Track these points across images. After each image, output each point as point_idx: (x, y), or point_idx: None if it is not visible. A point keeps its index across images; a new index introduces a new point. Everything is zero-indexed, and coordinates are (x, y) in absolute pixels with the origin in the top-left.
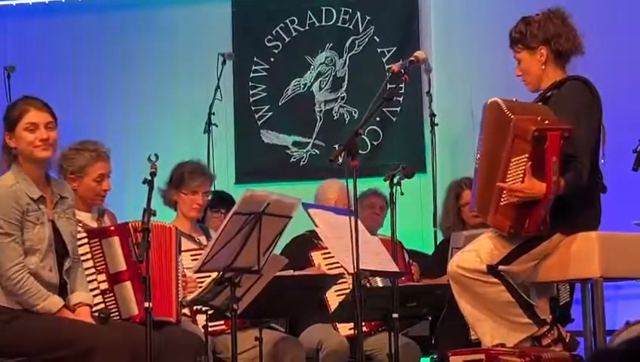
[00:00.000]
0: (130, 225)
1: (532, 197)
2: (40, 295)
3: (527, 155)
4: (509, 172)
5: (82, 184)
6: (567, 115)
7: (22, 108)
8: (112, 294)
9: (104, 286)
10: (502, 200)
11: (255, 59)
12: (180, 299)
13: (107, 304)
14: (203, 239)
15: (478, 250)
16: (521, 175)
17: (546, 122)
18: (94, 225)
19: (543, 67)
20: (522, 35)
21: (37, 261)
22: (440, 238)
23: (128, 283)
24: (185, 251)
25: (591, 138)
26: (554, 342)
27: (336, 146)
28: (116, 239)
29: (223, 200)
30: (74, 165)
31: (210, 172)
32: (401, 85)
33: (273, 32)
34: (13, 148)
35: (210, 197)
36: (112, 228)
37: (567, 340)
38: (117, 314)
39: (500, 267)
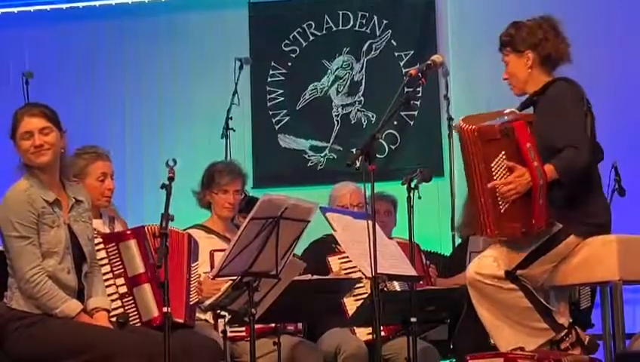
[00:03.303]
0: (146, 228)
1: (524, 187)
2: (59, 297)
3: (503, 152)
4: (494, 176)
5: (85, 185)
6: (557, 110)
7: (17, 118)
8: (131, 297)
9: (123, 289)
10: (500, 207)
11: (272, 63)
12: (191, 303)
13: (126, 308)
14: None
15: (495, 255)
16: (507, 173)
17: (506, 118)
18: (106, 231)
19: (529, 71)
20: (511, 38)
21: (55, 263)
22: (458, 240)
23: (147, 286)
24: (218, 251)
25: (584, 125)
26: (572, 346)
27: (354, 150)
28: (133, 242)
29: (251, 204)
30: (75, 168)
31: (242, 171)
32: (418, 89)
33: (290, 37)
34: (21, 156)
35: (242, 196)
36: (129, 231)
37: (585, 343)
38: (137, 316)
39: (519, 272)
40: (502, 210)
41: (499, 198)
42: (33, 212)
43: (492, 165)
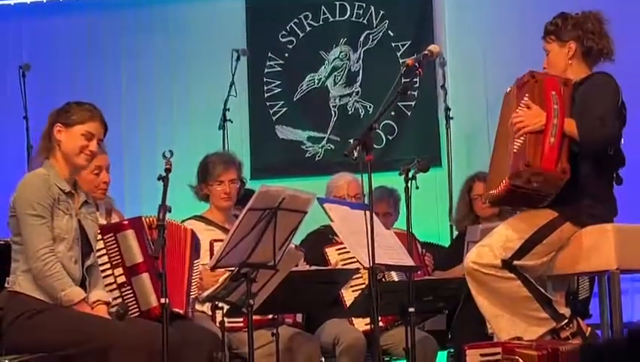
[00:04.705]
0: (143, 219)
1: (534, 123)
2: (66, 281)
3: (527, 94)
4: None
5: (81, 178)
6: (594, 91)
7: (90, 114)
8: (129, 287)
9: (121, 279)
10: (514, 147)
11: (269, 54)
12: (192, 297)
13: (125, 297)
14: None
15: (492, 245)
16: (526, 110)
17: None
18: (104, 223)
19: (570, 62)
20: (557, 27)
21: (64, 250)
22: (456, 232)
23: (146, 275)
24: (218, 241)
25: (615, 109)
26: (573, 336)
27: (351, 141)
28: (131, 232)
29: (248, 197)
30: None
31: (236, 159)
32: (415, 79)
33: (287, 28)
34: (58, 141)
35: (239, 184)
36: (126, 222)
37: (587, 334)
38: (136, 306)
39: (516, 262)
40: (514, 149)
41: (515, 138)
42: (50, 195)
43: (517, 108)
